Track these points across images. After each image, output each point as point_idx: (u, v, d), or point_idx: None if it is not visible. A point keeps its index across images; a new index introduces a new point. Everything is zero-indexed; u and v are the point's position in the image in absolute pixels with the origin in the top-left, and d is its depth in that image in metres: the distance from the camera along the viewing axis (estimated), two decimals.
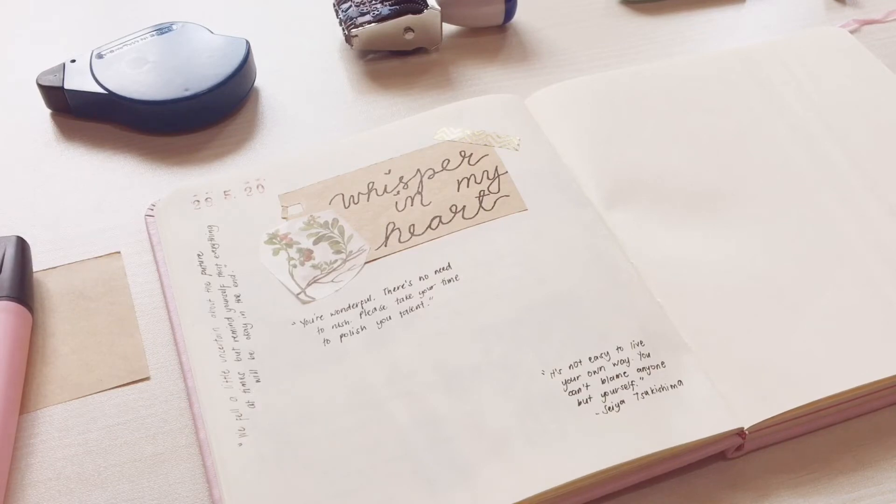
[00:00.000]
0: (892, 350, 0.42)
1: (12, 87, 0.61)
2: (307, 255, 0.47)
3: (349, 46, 0.61)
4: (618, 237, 0.47)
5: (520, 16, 0.64)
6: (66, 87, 0.56)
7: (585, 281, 0.44)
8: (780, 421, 0.40)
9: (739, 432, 0.39)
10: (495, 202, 0.48)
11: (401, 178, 0.50)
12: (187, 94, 0.55)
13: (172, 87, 0.56)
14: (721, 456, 0.41)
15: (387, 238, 0.47)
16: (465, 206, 0.48)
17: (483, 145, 0.51)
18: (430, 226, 0.48)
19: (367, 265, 0.46)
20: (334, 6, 0.63)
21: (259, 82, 0.60)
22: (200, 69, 0.57)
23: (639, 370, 0.41)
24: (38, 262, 0.49)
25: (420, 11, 0.60)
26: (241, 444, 0.40)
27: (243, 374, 0.42)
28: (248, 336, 0.44)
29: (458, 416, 0.40)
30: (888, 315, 0.43)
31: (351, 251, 0.47)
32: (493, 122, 0.53)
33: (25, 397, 0.43)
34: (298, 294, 0.45)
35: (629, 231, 0.47)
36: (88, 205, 0.53)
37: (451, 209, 0.48)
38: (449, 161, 0.51)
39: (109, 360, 0.45)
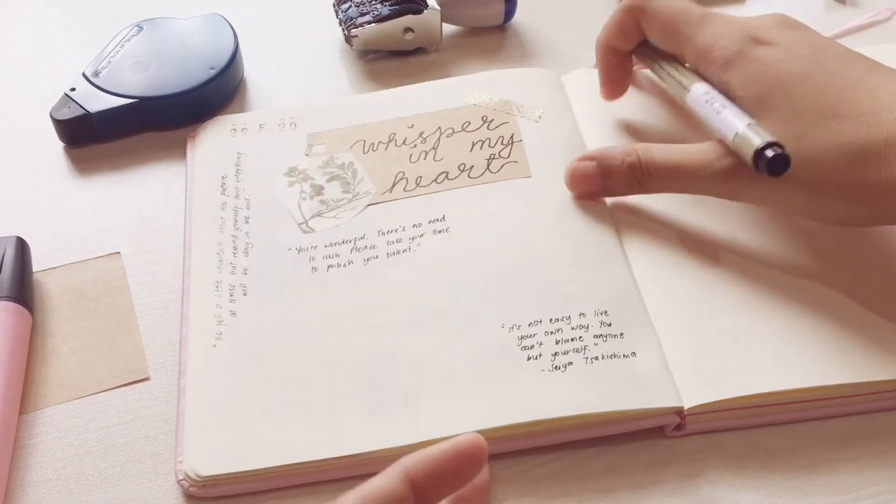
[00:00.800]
0: (853, 358, 0.41)
1: (11, 88, 0.61)
2: (318, 190, 0.50)
3: (349, 46, 0.61)
4: (613, 214, 0.48)
5: (520, 16, 0.63)
6: (91, 110, 0.54)
7: (567, 248, 0.46)
8: (722, 408, 0.40)
9: (678, 411, 0.40)
10: (502, 166, 0.50)
11: (421, 133, 0.53)
12: (213, 72, 0.57)
13: (195, 72, 0.57)
14: (661, 433, 0.41)
15: (393, 185, 0.50)
16: (472, 166, 0.51)
17: (505, 112, 0.53)
18: (435, 179, 0.50)
19: (369, 207, 0.49)
20: (334, 6, 0.63)
21: (259, 81, 0.60)
22: (205, 48, 0.58)
23: (595, 336, 0.42)
24: (37, 263, 0.49)
25: (420, 11, 0.60)
26: (214, 346, 0.44)
27: (233, 286, 0.46)
28: (246, 254, 0.48)
29: (414, 352, 0.43)
30: (855, 323, 0.43)
31: (358, 192, 0.50)
32: (522, 92, 0.55)
33: (25, 398, 0.43)
34: (301, 224, 0.49)
35: (626, 210, 0.48)
36: (88, 205, 0.53)
37: (459, 167, 0.51)
38: (470, 123, 0.53)
39: (109, 360, 0.45)
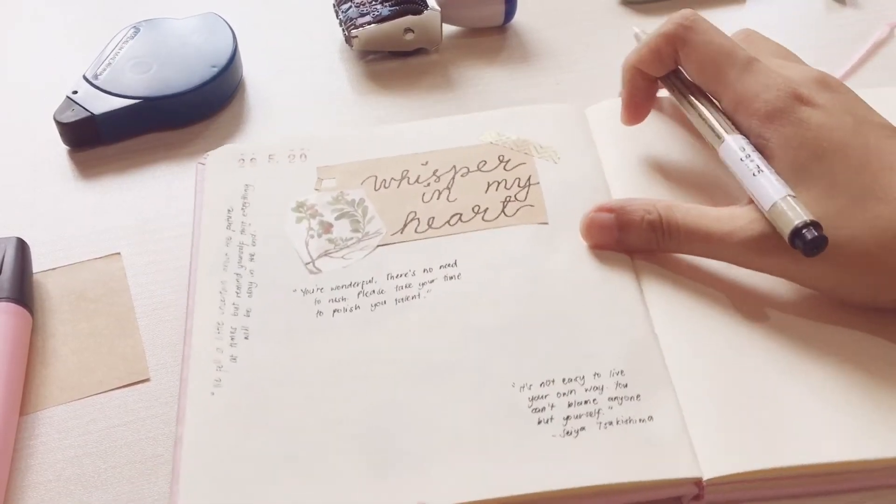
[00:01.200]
0: (884, 432, 0.39)
1: (11, 88, 0.61)
2: (326, 228, 0.49)
3: (349, 47, 0.61)
4: (634, 262, 0.46)
5: (520, 16, 0.63)
6: (95, 112, 0.54)
7: (583, 300, 0.44)
8: (744, 479, 0.38)
9: (697, 481, 0.38)
10: (518, 210, 0.48)
11: (435, 171, 0.51)
12: (216, 70, 0.57)
13: (198, 70, 0.57)
14: (678, 501, 0.39)
15: (405, 226, 0.48)
16: (487, 209, 0.49)
17: (523, 153, 0.51)
18: (448, 221, 0.48)
19: (378, 248, 0.48)
20: (334, 7, 0.63)
21: (258, 82, 0.60)
22: (205, 46, 0.58)
23: (610, 399, 0.40)
24: (37, 264, 0.49)
25: (420, 12, 0.60)
26: (212, 394, 0.42)
27: (235, 328, 0.44)
28: (250, 294, 0.46)
29: (420, 409, 0.41)
30: (884, 397, 0.40)
31: (367, 232, 0.48)
32: (541, 130, 0.53)
33: (25, 399, 0.43)
34: (307, 264, 0.47)
35: (648, 265, 0.46)
36: (88, 205, 0.53)
37: (473, 209, 0.49)
38: (486, 163, 0.51)
39: (109, 361, 0.45)
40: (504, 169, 0.51)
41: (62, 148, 0.56)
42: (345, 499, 0.38)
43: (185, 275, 0.48)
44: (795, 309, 0.44)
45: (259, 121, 0.58)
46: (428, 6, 0.60)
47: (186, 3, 0.64)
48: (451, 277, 0.46)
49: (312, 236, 0.48)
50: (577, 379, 0.41)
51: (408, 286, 0.46)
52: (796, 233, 0.39)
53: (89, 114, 0.54)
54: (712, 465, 0.38)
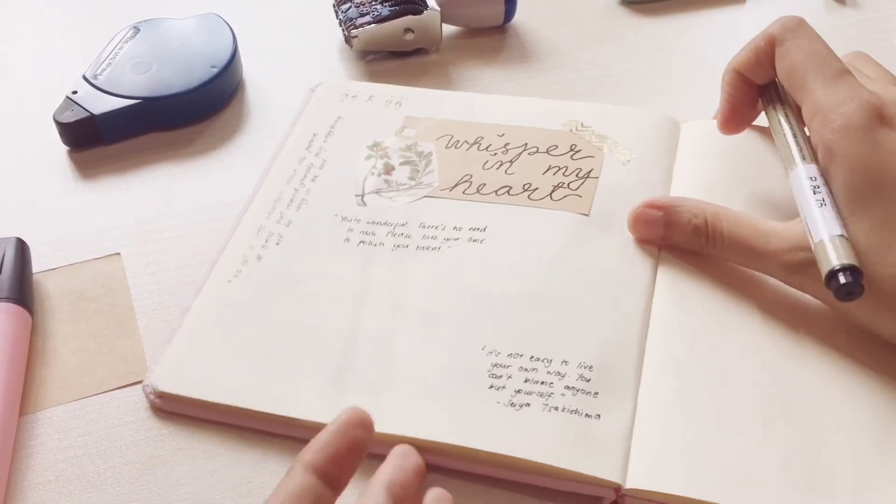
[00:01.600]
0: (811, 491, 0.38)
1: (11, 88, 0.61)
2: (388, 169, 0.52)
3: (349, 47, 0.61)
4: (655, 278, 0.45)
5: (520, 16, 0.63)
6: (95, 112, 0.54)
7: (586, 295, 0.45)
8: (660, 500, 0.38)
9: (616, 487, 0.38)
10: (565, 196, 0.49)
11: (506, 144, 0.53)
12: (216, 70, 0.57)
13: (197, 70, 0.57)
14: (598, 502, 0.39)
15: (456, 185, 0.51)
16: (537, 189, 0.50)
17: (597, 147, 0.52)
18: (496, 191, 0.50)
19: (424, 199, 0.50)
20: (334, 7, 0.63)
21: (258, 82, 0.60)
22: (205, 46, 0.58)
23: (567, 387, 0.41)
24: (37, 264, 0.49)
25: (420, 12, 0.60)
26: (229, 282, 0.47)
27: (272, 234, 0.49)
28: (298, 208, 0.50)
29: (397, 344, 0.43)
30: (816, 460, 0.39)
31: (421, 182, 0.51)
32: (628, 131, 0.53)
33: (25, 399, 0.43)
34: (358, 196, 0.51)
35: (669, 278, 0.45)
36: (88, 206, 0.53)
37: (524, 186, 0.50)
38: (557, 147, 0.52)
39: (109, 361, 0.45)
40: (571, 157, 0.52)
41: (62, 148, 0.56)
42: (302, 401, 0.41)
43: (185, 275, 0.48)
44: (815, 346, 0.42)
45: (259, 121, 0.58)
46: (428, 6, 0.60)
47: (186, 3, 0.64)
48: (474, 240, 0.47)
49: (373, 174, 0.52)
50: (544, 360, 0.42)
51: (433, 238, 0.48)
52: (833, 275, 0.39)
53: (89, 114, 0.54)
54: (637, 477, 0.38)
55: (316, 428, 0.36)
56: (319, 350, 0.43)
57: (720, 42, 0.63)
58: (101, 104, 0.55)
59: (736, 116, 0.49)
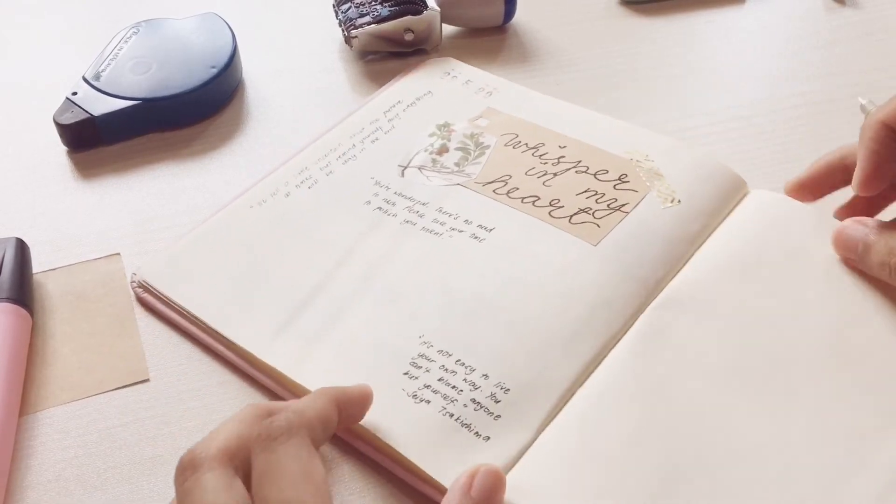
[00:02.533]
0: None
1: (11, 89, 0.61)
2: (442, 150, 0.53)
3: (349, 47, 0.61)
4: (628, 327, 0.43)
5: (520, 16, 0.63)
6: (95, 114, 0.54)
7: (549, 324, 0.43)
8: None
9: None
10: (584, 222, 0.48)
11: (561, 157, 0.52)
12: (215, 70, 0.57)
13: (197, 71, 0.57)
14: None
15: (491, 181, 0.51)
16: (562, 207, 0.49)
17: (646, 182, 0.49)
18: (523, 198, 0.50)
19: (457, 186, 0.51)
20: (334, 7, 0.63)
21: (258, 82, 0.60)
22: (205, 47, 0.59)
23: (473, 401, 0.40)
24: (37, 264, 0.49)
25: (420, 12, 0.60)
26: (251, 207, 0.50)
27: (310, 177, 0.52)
28: (344, 162, 0.53)
29: (350, 312, 0.45)
30: None
31: (463, 171, 0.52)
32: (683, 175, 0.50)
33: (25, 399, 0.43)
34: (401, 167, 0.52)
35: (643, 334, 0.43)
36: (88, 206, 0.53)
37: (551, 201, 0.49)
38: (606, 172, 0.50)
39: (109, 361, 0.45)
40: (614, 186, 0.49)
41: (62, 149, 0.56)
42: (245, 331, 0.44)
43: None
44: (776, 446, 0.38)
45: (259, 121, 0.58)
46: (428, 6, 0.60)
47: (186, 3, 0.64)
48: (476, 237, 0.48)
49: (426, 151, 0.53)
50: (468, 367, 0.42)
51: (441, 223, 0.49)
52: None
53: (89, 115, 0.54)
54: None
55: (248, 358, 0.43)
56: (283, 294, 0.46)
57: (720, 42, 0.63)
58: (101, 105, 0.55)
59: (878, 171, 0.44)
